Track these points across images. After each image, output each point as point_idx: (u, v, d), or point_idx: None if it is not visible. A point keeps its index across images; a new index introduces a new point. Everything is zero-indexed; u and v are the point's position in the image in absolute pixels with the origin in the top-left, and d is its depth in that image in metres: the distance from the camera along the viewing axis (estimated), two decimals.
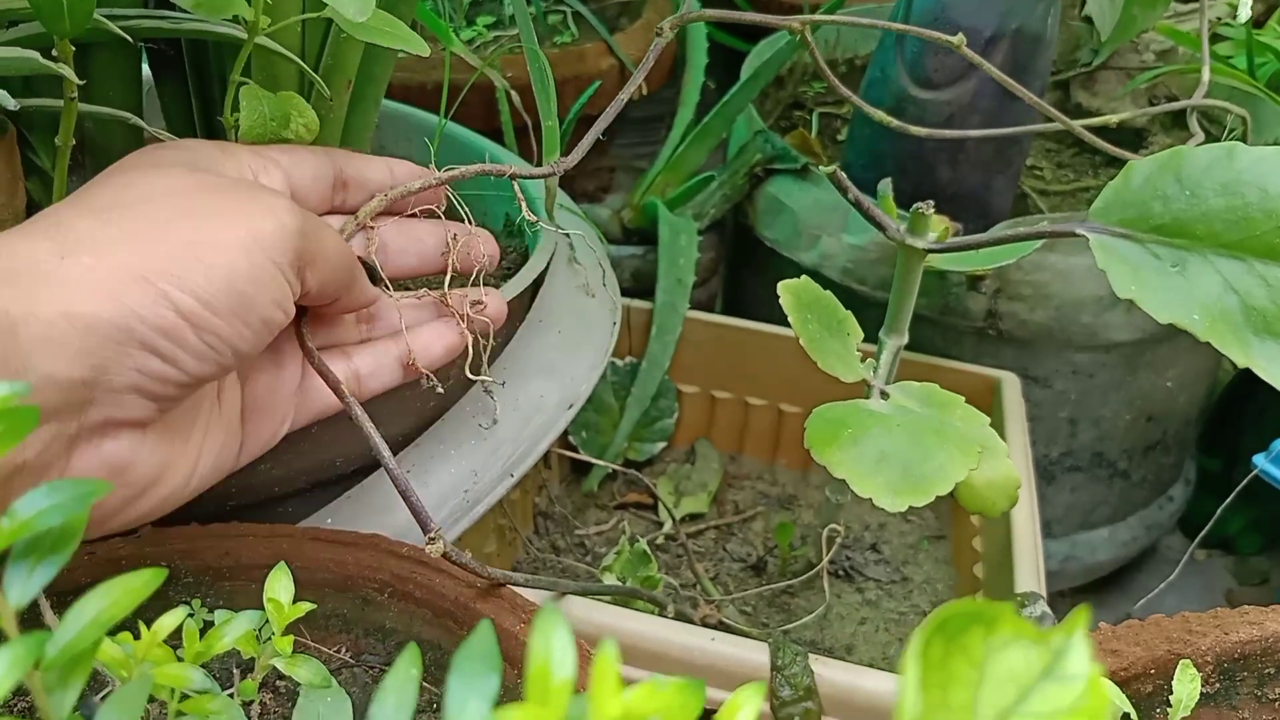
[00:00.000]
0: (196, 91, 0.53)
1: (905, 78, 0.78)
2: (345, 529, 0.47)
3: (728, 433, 0.83)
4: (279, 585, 0.31)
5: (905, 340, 0.58)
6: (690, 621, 0.59)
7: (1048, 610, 0.50)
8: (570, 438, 0.76)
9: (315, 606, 0.31)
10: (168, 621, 0.25)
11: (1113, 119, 0.70)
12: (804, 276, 0.52)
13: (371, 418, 0.52)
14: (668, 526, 0.75)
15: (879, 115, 0.64)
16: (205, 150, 0.41)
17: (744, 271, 0.95)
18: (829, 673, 0.49)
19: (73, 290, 0.32)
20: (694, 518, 0.77)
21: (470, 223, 0.51)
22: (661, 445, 0.81)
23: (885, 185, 0.67)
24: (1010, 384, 0.72)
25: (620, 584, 0.62)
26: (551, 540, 0.73)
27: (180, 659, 0.28)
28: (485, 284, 0.58)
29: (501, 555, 0.69)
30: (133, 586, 0.22)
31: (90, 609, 0.21)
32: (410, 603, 0.44)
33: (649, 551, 0.64)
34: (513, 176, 0.53)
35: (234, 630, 0.28)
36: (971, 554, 0.68)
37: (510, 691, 0.41)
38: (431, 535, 0.40)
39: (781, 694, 0.49)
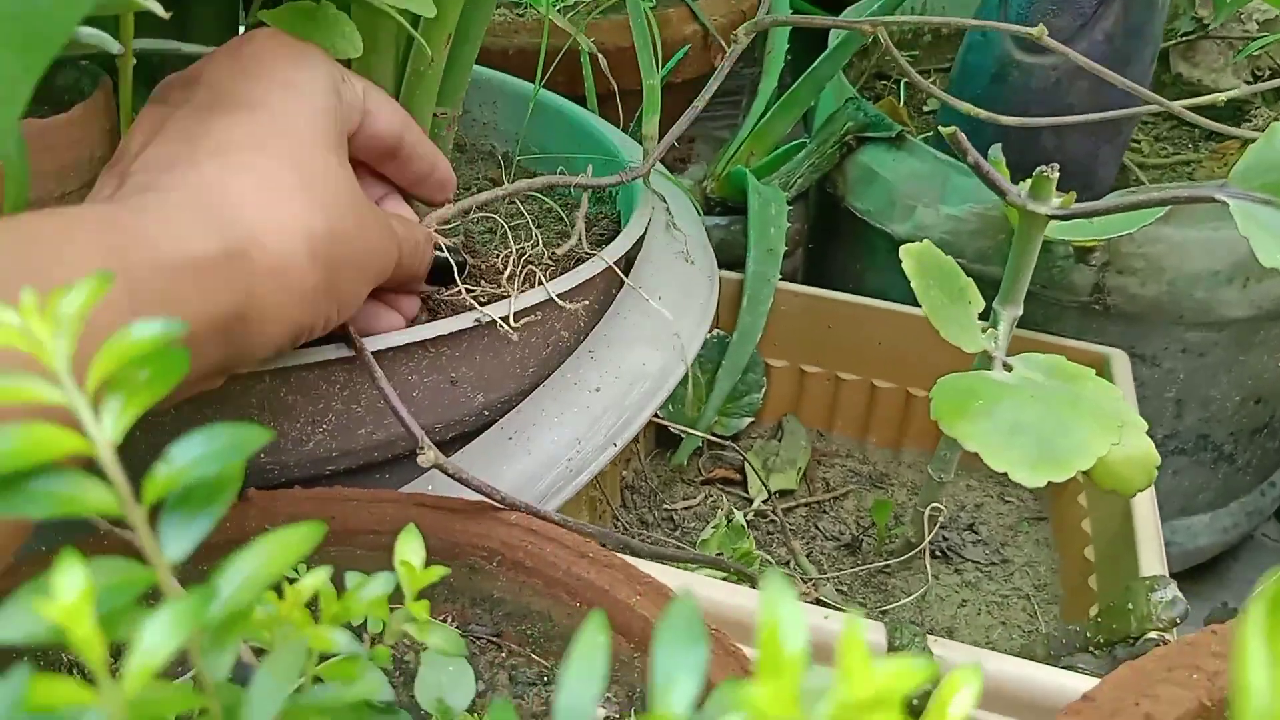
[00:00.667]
0: None
1: (1009, 40, 0.75)
2: (447, 495, 0.46)
3: (817, 409, 0.80)
4: (410, 547, 0.29)
5: (1020, 311, 0.55)
6: None
7: (1179, 594, 0.48)
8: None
9: (449, 570, 0.29)
10: (311, 582, 0.24)
11: (1220, 97, 0.67)
12: (925, 241, 0.50)
13: (471, 381, 0.50)
14: (757, 503, 0.73)
15: (954, 101, 0.62)
16: (330, 90, 0.42)
17: (830, 244, 0.92)
18: (948, 654, 0.47)
19: (283, 296, 0.37)
20: (783, 494, 0.75)
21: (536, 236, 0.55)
22: (748, 420, 0.79)
23: (996, 150, 0.64)
24: (1120, 361, 0.69)
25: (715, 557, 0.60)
26: (639, 514, 0.72)
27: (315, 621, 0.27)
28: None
29: None
30: (290, 542, 0.20)
31: (247, 566, 0.20)
32: (520, 572, 0.42)
33: (745, 527, 0.62)
34: (581, 187, 0.52)
35: (370, 592, 0.27)
36: (1077, 536, 0.66)
37: (625, 665, 0.40)
38: (421, 446, 0.42)
39: None
